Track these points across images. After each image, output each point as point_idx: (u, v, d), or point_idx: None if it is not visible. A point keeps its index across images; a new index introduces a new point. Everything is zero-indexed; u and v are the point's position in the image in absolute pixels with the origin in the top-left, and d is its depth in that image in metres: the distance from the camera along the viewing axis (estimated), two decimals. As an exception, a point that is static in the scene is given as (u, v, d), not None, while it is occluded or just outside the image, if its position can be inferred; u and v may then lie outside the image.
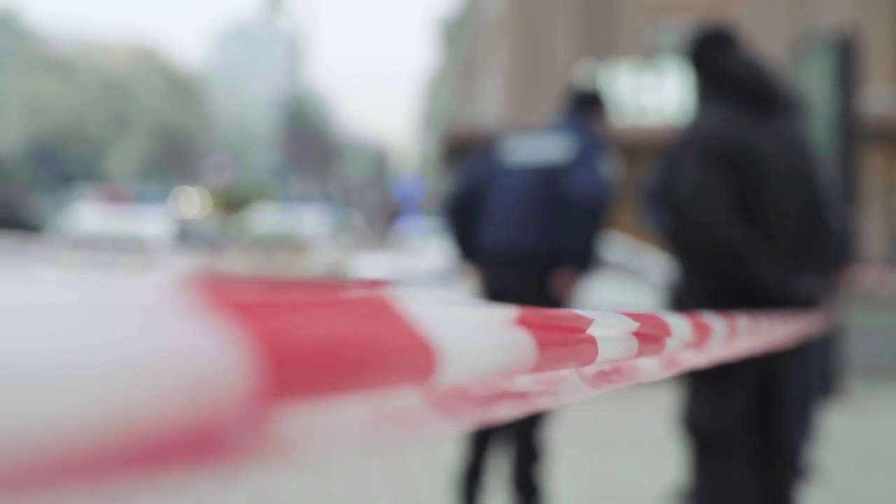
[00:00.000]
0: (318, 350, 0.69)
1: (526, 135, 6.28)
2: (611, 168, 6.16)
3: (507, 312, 1.11)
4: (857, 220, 11.47)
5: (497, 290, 6.08)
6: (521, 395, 1.15)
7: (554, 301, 6.09)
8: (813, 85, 12.18)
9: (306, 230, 26.13)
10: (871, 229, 35.94)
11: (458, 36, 78.93)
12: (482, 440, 6.07)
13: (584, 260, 6.08)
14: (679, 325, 1.77)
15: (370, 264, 13.82)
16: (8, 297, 0.50)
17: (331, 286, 0.81)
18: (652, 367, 1.66)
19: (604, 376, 1.43)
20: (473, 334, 0.97)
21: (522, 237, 6.03)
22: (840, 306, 11.56)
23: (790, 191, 4.66)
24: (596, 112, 6.35)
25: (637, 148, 38.25)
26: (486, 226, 6.19)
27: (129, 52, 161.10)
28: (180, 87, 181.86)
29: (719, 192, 4.49)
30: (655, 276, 14.14)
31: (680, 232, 4.54)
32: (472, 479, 6.05)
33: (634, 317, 1.52)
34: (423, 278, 13.41)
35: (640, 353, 1.52)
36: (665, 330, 1.65)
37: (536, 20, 39.72)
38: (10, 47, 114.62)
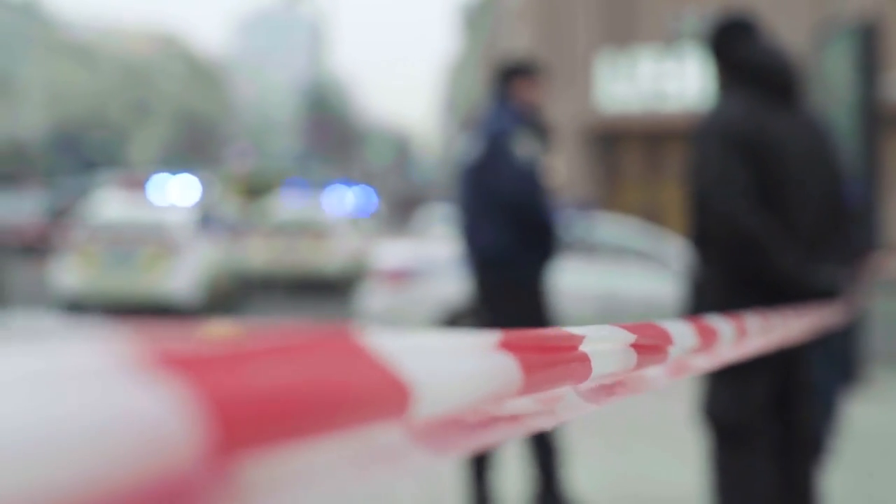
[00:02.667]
0: (275, 398, 0.67)
1: (473, 130, 6.28)
2: (526, 147, 6.08)
3: (488, 338, 1.08)
4: (880, 206, 11.43)
5: (475, 290, 6.12)
6: (513, 419, 1.13)
7: (515, 297, 6.06)
8: (835, 71, 12.13)
9: (328, 217, 26.14)
10: (894, 215, 35.80)
11: (479, 22, 78.86)
12: None
13: (541, 250, 6.07)
14: (681, 331, 1.76)
15: (391, 251, 13.83)
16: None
17: (297, 333, 0.78)
18: (657, 376, 1.65)
19: (605, 390, 1.42)
20: (449, 364, 0.95)
21: (485, 242, 6.04)
22: (862, 295, 11.53)
23: (811, 179, 4.65)
24: (516, 84, 6.27)
25: (658, 134, 38.16)
26: (461, 229, 6.25)
27: (150, 39, 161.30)
28: (202, 74, 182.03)
29: (740, 180, 4.48)
30: (675, 263, 14.12)
31: (700, 219, 4.54)
32: (482, 457, 6.05)
33: (631, 328, 1.51)
34: (445, 266, 13.42)
35: (640, 364, 1.50)
36: (666, 338, 1.63)
37: (558, 5, 39.64)
38: (31, 34, 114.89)
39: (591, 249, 14.30)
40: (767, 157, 4.54)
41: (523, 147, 6.03)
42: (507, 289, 6.00)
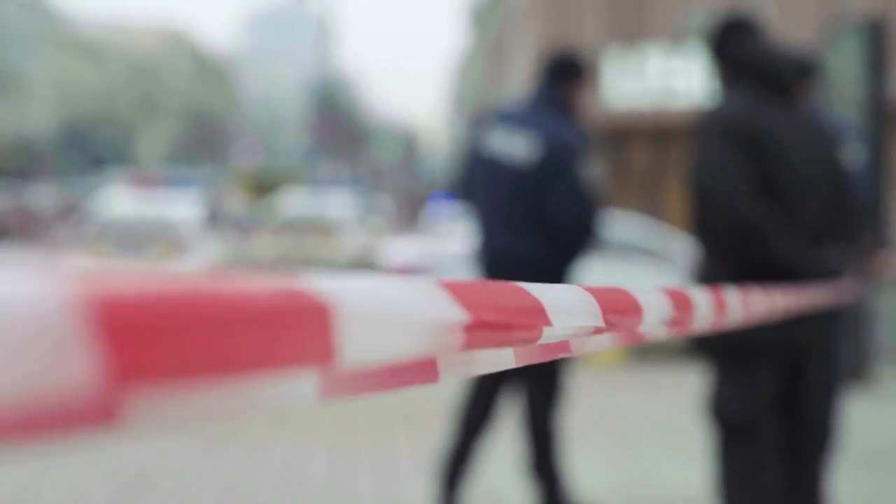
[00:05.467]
0: (181, 328, 0.64)
1: (501, 122, 5.85)
2: (591, 169, 5.80)
3: (426, 284, 1.01)
4: (887, 203, 11.43)
5: None
6: (466, 364, 1.08)
7: None
8: (842, 69, 12.13)
9: (335, 213, 26.15)
10: (902, 213, 35.74)
11: (487, 19, 78.75)
12: (472, 425, 5.91)
13: (570, 264, 5.88)
14: (653, 299, 1.73)
15: (399, 248, 13.84)
16: None
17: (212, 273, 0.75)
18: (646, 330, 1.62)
19: (561, 346, 1.37)
20: (382, 304, 0.89)
21: (510, 242, 5.75)
22: (866, 282, 11.53)
23: (812, 174, 4.69)
24: (570, 83, 5.89)
25: (666, 131, 38.14)
26: (477, 225, 5.90)
27: (158, 35, 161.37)
28: (210, 70, 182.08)
29: (741, 174, 4.53)
30: (681, 259, 14.12)
31: (702, 213, 4.58)
32: (456, 464, 5.89)
33: (596, 292, 1.47)
34: (453, 263, 13.43)
35: (609, 325, 1.46)
36: (635, 306, 1.60)
37: (566, 3, 39.63)
38: (39, 31, 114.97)
39: (598, 246, 14.30)
40: (768, 153, 4.58)
41: (587, 167, 5.75)
42: None
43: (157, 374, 0.63)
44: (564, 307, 1.32)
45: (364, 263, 26.44)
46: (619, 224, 14.65)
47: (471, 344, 1.05)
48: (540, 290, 1.29)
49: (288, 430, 8.53)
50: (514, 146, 5.75)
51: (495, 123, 5.86)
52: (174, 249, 18.55)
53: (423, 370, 1.00)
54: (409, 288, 0.97)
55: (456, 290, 1.05)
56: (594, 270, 14.03)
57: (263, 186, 44.07)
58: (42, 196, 41.06)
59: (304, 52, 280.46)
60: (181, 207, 19.41)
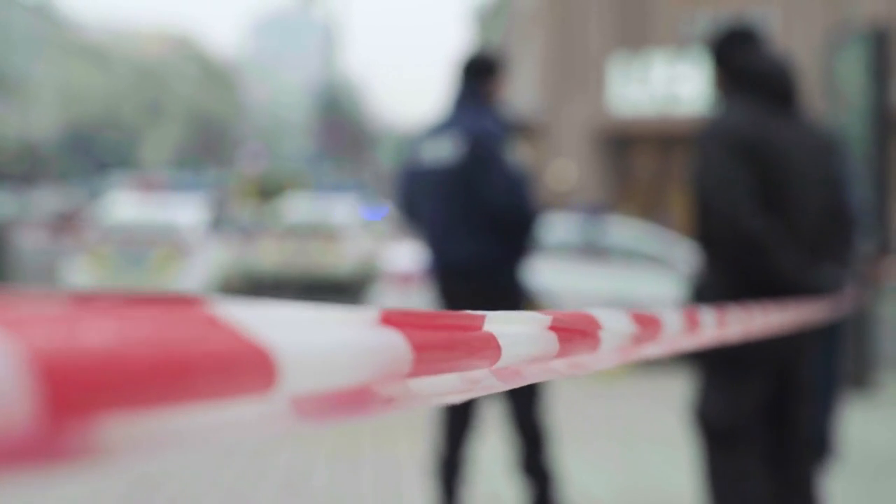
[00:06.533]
0: (115, 360, 0.64)
1: (428, 133, 5.87)
2: (515, 151, 5.78)
3: (366, 313, 1.00)
4: (889, 210, 11.43)
5: (449, 301, 5.79)
6: (412, 398, 1.06)
7: (510, 307, 5.76)
8: (847, 77, 12.14)
9: (339, 219, 26.15)
10: (906, 221, 35.72)
11: (492, 25, 78.75)
12: (455, 433, 5.89)
13: (519, 261, 5.78)
14: (612, 317, 1.71)
15: (402, 254, 13.84)
16: None
17: (148, 299, 0.75)
18: (596, 359, 1.59)
19: (517, 372, 1.36)
20: (318, 336, 0.89)
21: (457, 249, 5.70)
22: (865, 295, 11.52)
23: (811, 185, 4.70)
24: (488, 80, 5.93)
25: (670, 138, 38.15)
26: (425, 238, 5.88)
27: (163, 40, 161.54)
28: (215, 75, 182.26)
29: (742, 184, 4.55)
30: (685, 266, 14.12)
31: (703, 222, 4.59)
32: (449, 472, 5.88)
33: (553, 314, 1.45)
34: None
35: (565, 349, 1.44)
36: (593, 323, 1.58)
37: (571, 9, 39.64)
38: (44, 35, 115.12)
39: (601, 252, 14.30)
40: (769, 162, 4.60)
41: (513, 152, 5.75)
42: (490, 297, 5.71)
43: (94, 409, 0.63)
44: (516, 335, 1.31)
45: (368, 269, 26.44)
46: (622, 230, 14.65)
47: (418, 371, 1.05)
48: (492, 318, 1.27)
49: (291, 436, 8.54)
50: (440, 149, 5.77)
51: (424, 136, 5.89)
52: (178, 254, 18.55)
53: (368, 399, 0.99)
54: (349, 320, 0.97)
55: (399, 321, 1.05)
56: (597, 276, 14.03)
57: (268, 191, 44.09)
58: (47, 200, 41.11)
59: (309, 57, 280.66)
60: (185, 212, 19.42)
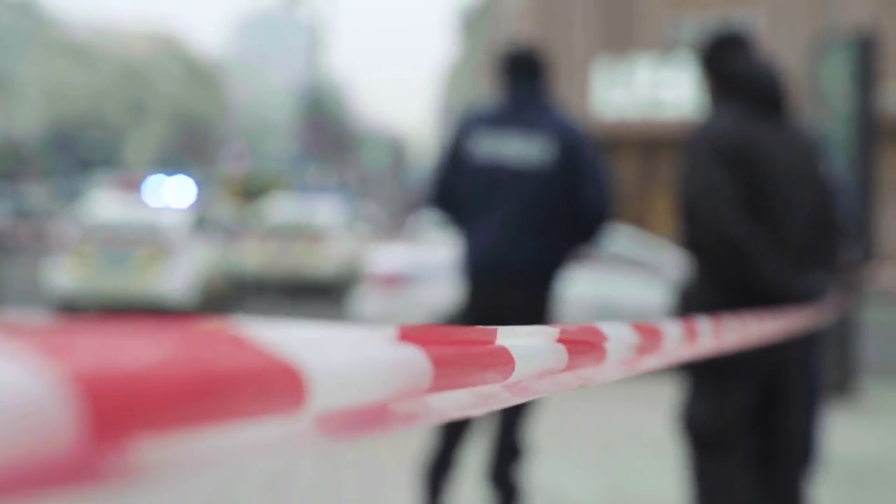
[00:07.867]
0: (153, 382, 0.66)
1: (488, 126, 5.59)
2: (605, 165, 5.65)
3: (386, 332, 1.02)
4: (875, 217, 11.44)
5: (489, 308, 5.55)
6: (432, 414, 1.08)
7: (547, 314, 5.59)
8: (832, 82, 12.15)
9: (323, 220, 26.13)
10: (889, 226, 35.83)
11: (477, 27, 78.83)
12: (454, 433, 5.82)
13: (563, 268, 5.62)
14: (617, 330, 1.72)
15: (386, 255, 13.82)
16: None
17: (175, 323, 0.77)
18: (603, 371, 1.61)
19: (531, 385, 1.37)
20: (345, 355, 0.91)
21: (506, 249, 5.48)
22: (850, 303, 11.53)
23: (797, 191, 4.70)
24: (546, 78, 5.72)
25: (654, 142, 38.19)
26: (466, 233, 5.61)
27: (147, 39, 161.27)
28: (199, 75, 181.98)
29: (727, 190, 4.54)
30: (670, 272, 14.12)
31: (688, 228, 4.58)
32: (439, 471, 5.80)
33: (560, 328, 1.46)
34: (439, 271, 13.41)
35: (573, 361, 1.45)
36: (599, 336, 1.59)
37: (556, 11, 39.67)
38: (28, 33, 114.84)
39: (585, 257, 14.28)
40: (755, 168, 4.59)
41: (604, 163, 5.59)
42: (534, 302, 5.51)
43: (133, 430, 0.65)
44: (528, 348, 1.31)
45: (351, 270, 26.41)
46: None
47: (438, 386, 1.06)
48: (503, 332, 1.28)
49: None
50: (526, 149, 5.54)
51: (480, 128, 5.63)
52: (161, 254, 18.49)
53: (389, 416, 1.01)
54: (370, 337, 0.99)
55: (416, 337, 1.06)
56: (581, 280, 14.02)
57: (251, 192, 44.05)
58: (31, 198, 40.99)
59: (293, 57, 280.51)
60: (168, 212, 19.36)
